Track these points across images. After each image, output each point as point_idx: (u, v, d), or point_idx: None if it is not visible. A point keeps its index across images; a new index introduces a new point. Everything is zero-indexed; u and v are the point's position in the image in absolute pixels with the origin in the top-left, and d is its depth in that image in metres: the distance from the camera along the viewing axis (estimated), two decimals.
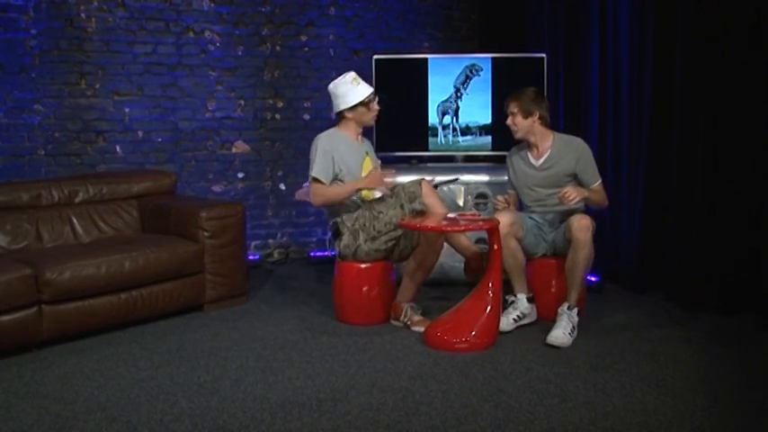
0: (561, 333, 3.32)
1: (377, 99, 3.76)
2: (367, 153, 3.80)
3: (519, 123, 3.63)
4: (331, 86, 3.78)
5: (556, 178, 3.63)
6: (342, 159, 3.68)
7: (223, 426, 2.55)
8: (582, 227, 3.35)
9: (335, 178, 3.69)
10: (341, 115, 3.75)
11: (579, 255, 3.36)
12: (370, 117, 3.76)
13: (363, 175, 3.72)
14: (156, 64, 4.91)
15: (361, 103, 3.70)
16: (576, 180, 3.62)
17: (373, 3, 5.50)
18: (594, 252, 3.42)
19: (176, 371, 3.09)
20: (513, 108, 3.63)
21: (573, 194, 3.41)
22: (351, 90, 3.70)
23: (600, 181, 3.63)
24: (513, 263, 3.52)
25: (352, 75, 3.74)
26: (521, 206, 3.84)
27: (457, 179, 3.77)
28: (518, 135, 3.67)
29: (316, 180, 3.64)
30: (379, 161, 3.97)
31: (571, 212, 3.54)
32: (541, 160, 3.66)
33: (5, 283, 3.19)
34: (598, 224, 3.92)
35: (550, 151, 3.65)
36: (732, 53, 3.59)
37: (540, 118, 3.63)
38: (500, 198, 3.77)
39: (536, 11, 5.04)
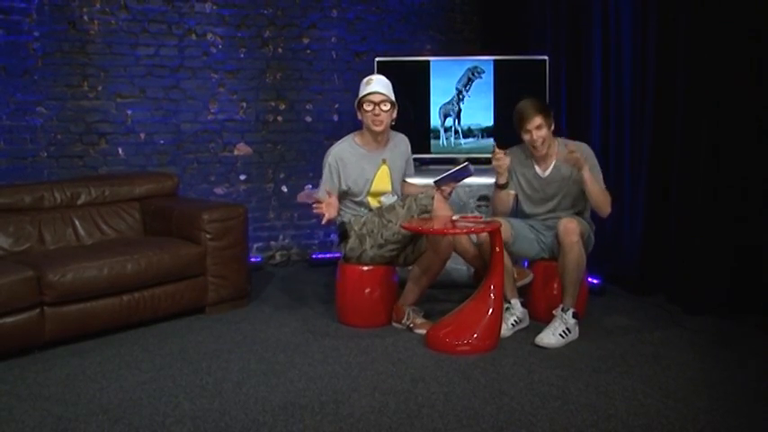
0: (550, 334, 3.33)
1: (382, 104, 3.56)
2: (384, 161, 3.70)
3: (548, 137, 3.49)
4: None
5: (562, 187, 3.59)
6: (348, 173, 3.64)
7: (225, 428, 2.55)
8: (568, 231, 3.34)
9: (346, 194, 3.67)
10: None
11: (567, 258, 3.36)
12: (366, 119, 3.60)
13: (375, 185, 3.67)
14: (159, 66, 4.92)
15: (360, 102, 3.61)
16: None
17: (375, 5, 5.51)
18: (586, 254, 3.41)
19: (178, 373, 3.09)
20: (540, 121, 3.44)
21: (576, 157, 3.33)
22: (360, 89, 3.62)
23: (602, 188, 3.55)
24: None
25: (372, 77, 3.65)
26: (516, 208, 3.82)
27: (466, 164, 3.54)
28: (543, 151, 3.51)
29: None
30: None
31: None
32: (549, 171, 3.62)
33: (8, 285, 3.19)
34: (600, 226, 3.93)
35: (555, 162, 3.60)
36: (734, 55, 3.59)
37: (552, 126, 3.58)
38: (498, 153, 3.54)
39: (538, 13, 5.04)
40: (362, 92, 3.61)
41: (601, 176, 3.58)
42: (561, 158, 3.55)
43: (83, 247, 3.94)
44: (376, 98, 3.57)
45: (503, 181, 3.62)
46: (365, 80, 3.65)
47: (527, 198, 3.72)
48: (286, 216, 5.44)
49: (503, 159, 3.54)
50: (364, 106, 3.59)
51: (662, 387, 2.84)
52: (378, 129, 3.61)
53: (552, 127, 3.56)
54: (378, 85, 3.60)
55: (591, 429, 2.49)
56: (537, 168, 3.66)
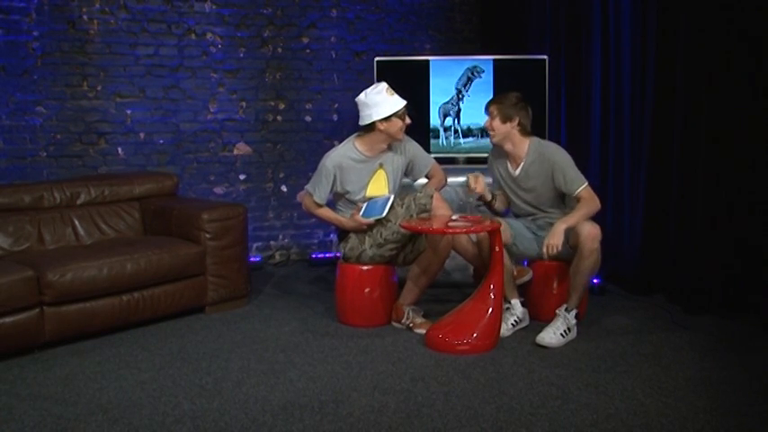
0: (552, 333, 3.34)
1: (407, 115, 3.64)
2: (381, 165, 3.70)
3: (497, 128, 3.56)
4: (361, 96, 3.63)
5: (537, 194, 3.59)
6: (347, 179, 3.65)
7: (225, 428, 2.55)
8: (591, 236, 3.30)
9: (342, 196, 3.70)
10: (370, 126, 3.60)
11: (585, 263, 3.33)
12: (397, 129, 3.60)
13: (370, 190, 3.68)
14: (158, 66, 4.92)
15: (396, 114, 3.57)
16: (560, 189, 3.52)
17: (375, 5, 5.51)
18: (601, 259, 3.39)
19: (178, 372, 3.09)
20: (493, 111, 3.57)
21: (554, 245, 3.29)
22: (386, 100, 3.57)
23: (584, 185, 3.46)
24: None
25: (385, 85, 3.62)
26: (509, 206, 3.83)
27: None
28: (495, 140, 3.60)
29: (310, 194, 3.72)
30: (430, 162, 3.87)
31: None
32: (518, 170, 3.61)
33: (7, 284, 3.19)
34: (600, 226, 3.92)
35: (525, 161, 3.58)
36: (734, 55, 3.59)
37: (519, 125, 3.55)
38: (472, 178, 3.59)
39: (538, 13, 5.04)
40: (398, 105, 3.58)
41: (576, 176, 3.48)
42: (530, 161, 3.57)
43: (82, 246, 3.93)
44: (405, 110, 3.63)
45: (488, 198, 3.69)
46: (385, 89, 3.60)
47: (509, 192, 3.73)
48: (285, 216, 5.44)
49: (475, 183, 3.58)
50: (405, 117, 3.61)
51: (661, 386, 2.84)
52: (402, 138, 3.68)
53: (515, 124, 3.54)
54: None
55: (591, 429, 2.49)
56: (509, 166, 3.67)
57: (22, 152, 4.56)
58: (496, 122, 3.56)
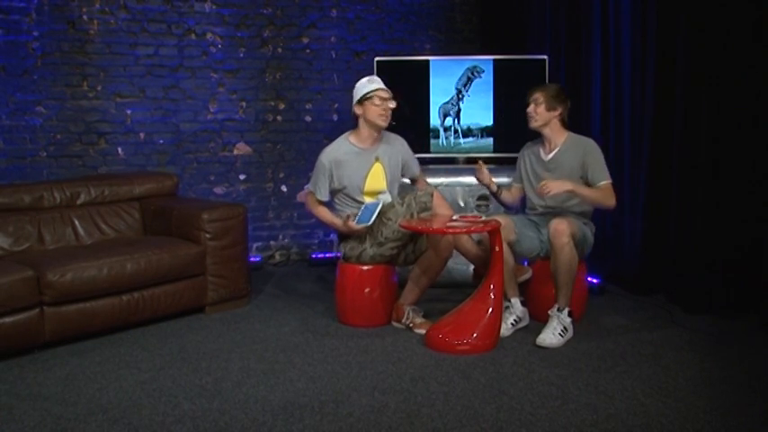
0: (551, 334, 3.34)
1: (389, 101, 3.64)
2: (377, 159, 3.72)
3: (540, 113, 3.61)
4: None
5: (561, 176, 3.59)
6: (343, 173, 3.67)
7: (225, 428, 2.55)
8: (558, 232, 3.34)
9: (339, 191, 3.72)
10: (355, 115, 3.72)
11: (559, 258, 3.36)
12: (374, 113, 3.62)
13: (369, 184, 3.70)
14: (158, 66, 4.92)
15: (367, 98, 3.63)
16: (585, 180, 3.58)
17: (375, 5, 5.51)
18: (584, 256, 3.40)
19: (178, 373, 3.09)
20: (540, 97, 3.61)
21: (550, 186, 3.38)
22: (362, 86, 3.66)
23: (608, 181, 3.55)
24: (504, 267, 3.44)
25: (372, 77, 3.74)
26: (523, 203, 3.84)
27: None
28: (535, 124, 3.63)
29: (312, 192, 3.77)
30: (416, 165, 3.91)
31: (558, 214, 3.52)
32: (551, 155, 3.65)
33: (7, 284, 3.19)
34: (600, 225, 3.92)
35: (560, 148, 3.64)
36: (734, 55, 3.59)
37: (560, 115, 3.63)
38: (477, 167, 3.71)
39: (538, 13, 5.04)
40: (368, 88, 3.64)
41: (603, 170, 3.57)
42: (564, 148, 3.64)
43: (82, 246, 3.93)
44: (384, 94, 3.64)
45: (493, 189, 3.76)
46: (366, 79, 3.71)
47: (529, 184, 3.76)
48: (285, 216, 5.44)
49: (479, 173, 3.70)
50: (374, 101, 3.63)
51: (661, 386, 2.84)
52: (384, 124, 3.66)
53: (557, 114, 3.62)
54: (382, 84, 3.68)
55: (591, 429, 2.49)
56: (542, 151, 3.72)
57: (22, 152, 4.56)
58: (541, 109, 3.62)
